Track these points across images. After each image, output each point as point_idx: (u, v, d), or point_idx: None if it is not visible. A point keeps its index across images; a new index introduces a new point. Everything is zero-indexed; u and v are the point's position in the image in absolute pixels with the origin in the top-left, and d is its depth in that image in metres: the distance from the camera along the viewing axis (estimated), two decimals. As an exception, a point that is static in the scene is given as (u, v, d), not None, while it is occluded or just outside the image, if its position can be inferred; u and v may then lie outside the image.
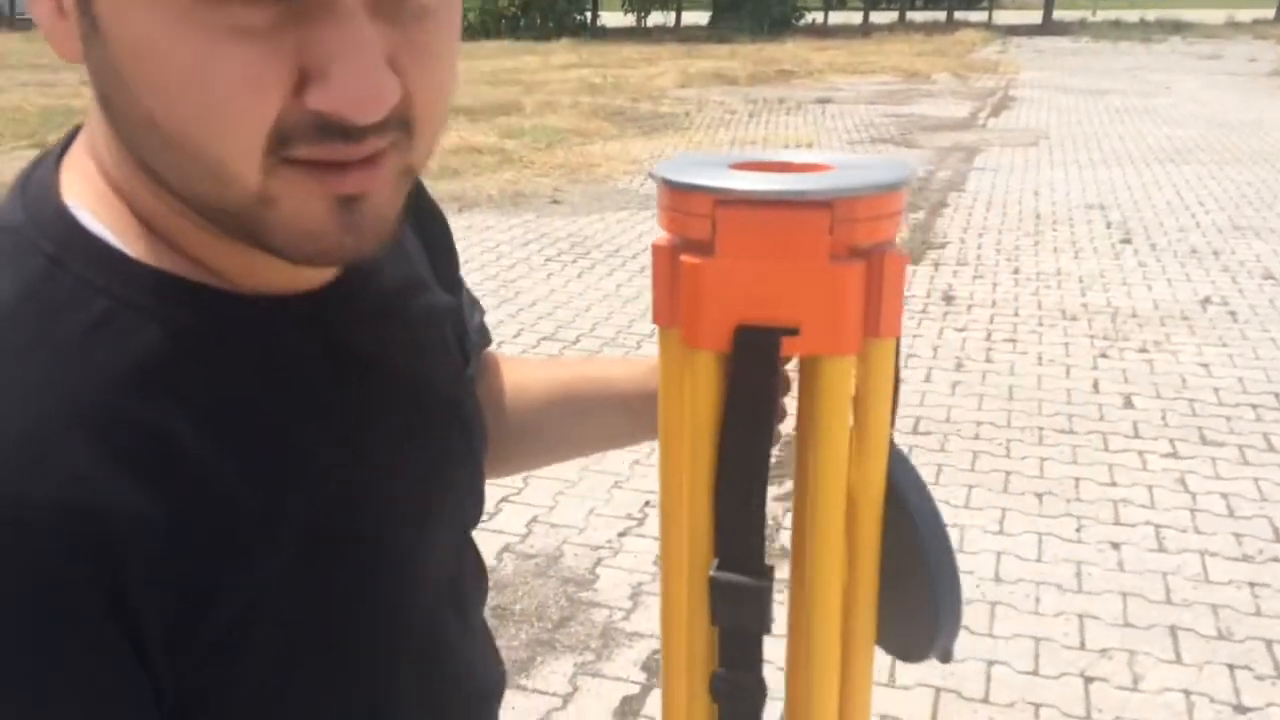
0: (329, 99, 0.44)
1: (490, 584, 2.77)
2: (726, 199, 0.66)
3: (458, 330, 0.73)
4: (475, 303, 0.85)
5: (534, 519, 3.21)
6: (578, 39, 25.20)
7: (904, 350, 4.65)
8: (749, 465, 0.68)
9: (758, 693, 0.72)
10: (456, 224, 5.31)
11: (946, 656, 0.80)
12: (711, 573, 0.71)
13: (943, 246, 6.39)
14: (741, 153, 0.76)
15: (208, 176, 0.46)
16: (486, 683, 0.75)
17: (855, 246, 0.67)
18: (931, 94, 14.75)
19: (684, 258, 0.67)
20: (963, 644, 2.58)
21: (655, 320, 0.72)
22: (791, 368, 0.74)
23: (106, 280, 0.49)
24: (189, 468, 0.48)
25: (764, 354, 0.65)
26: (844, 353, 0.68)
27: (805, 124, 11.74)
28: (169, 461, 0.48)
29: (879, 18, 32.36)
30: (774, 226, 0.66)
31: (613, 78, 15.73)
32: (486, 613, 2.66)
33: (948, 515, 3.23)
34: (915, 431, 3.81)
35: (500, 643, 2.59)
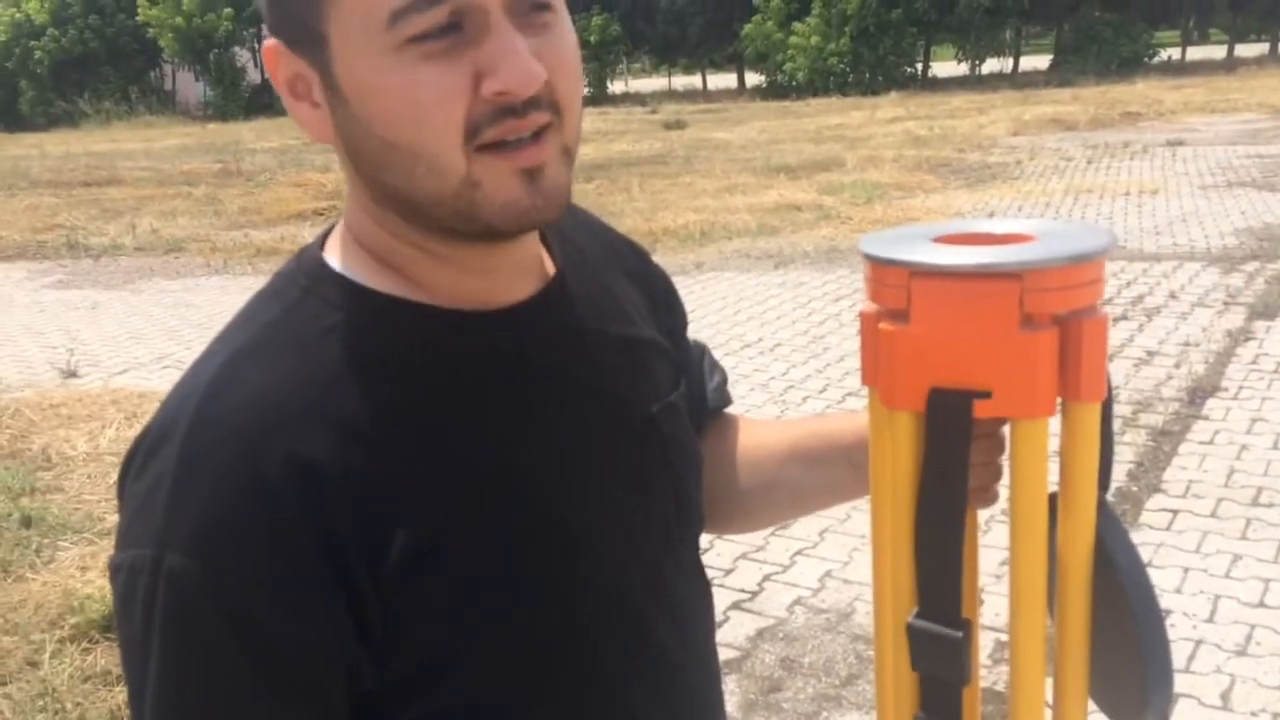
0: (501, 83, 0.61)
1: (780, 635, 2.79)
2: (920, 271, 0.70)
3: (677, 370, 0.84)
4: (716, 366, 0.97)
5: (828, 573, 3.23)
6: (907, 91, 24.91)
7: (1251, 414, 4.22)
8: (944, 520, 0.71)
9: None
10: (771, 280, 5.46)
11: None
12: (909, 620, 0.74)
13: (1306, 300, 5.77)
14: (948, 224, 0.80)
15: (428, 173, 0.63)
16: (699, 693, 0.82)
17: (1047, 314, 0.69)
18: (1304, 131, 13.32)
19: (882, 325, 0.72)
20: (1295, 740, 2.33)
21: (864, 381, 0.77)
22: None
23: (340, 302, 0.68)
24: (383, 436, 0.65)
25: (956, 415, 0.69)
26: (1037, 416, 0.70)
27: (1151, 169, 10.97)
28: (369, 430, 0.64)
29: (1245, 50, 29.57)
30: (965, 297, 0.69)
31: (939, 129, 15.43)
32: (774, 663, 2.71)
33: (1285, 595, 2.90)
34: (1256, 503, 3.47)
35: (786, 694, 2.65)
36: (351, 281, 0.69)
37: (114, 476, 4.25)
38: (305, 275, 0.70)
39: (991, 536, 0.84)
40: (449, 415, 0.67)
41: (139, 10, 31.99)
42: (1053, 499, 0.76)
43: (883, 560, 0.76)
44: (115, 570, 0.64)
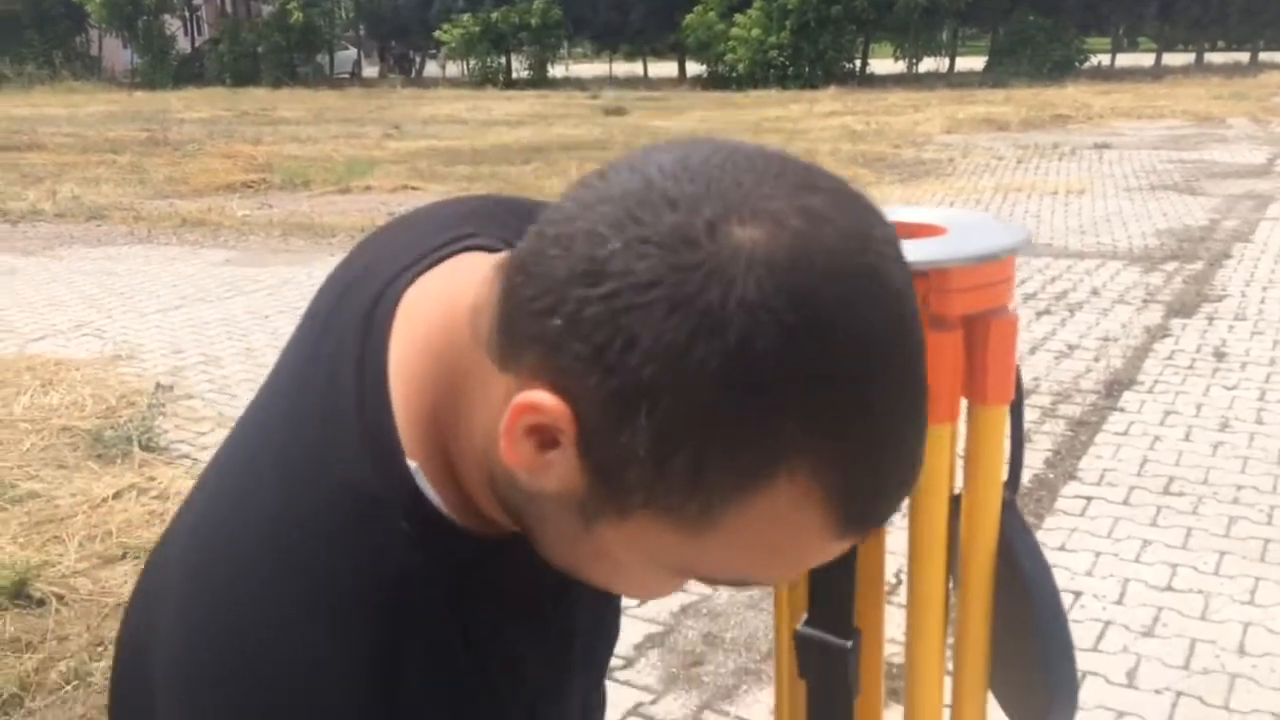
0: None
1: (704, 611, 2.81)
2: None
3: None
4: None
5: (753, 551, 3.26)
6: (845, 86, 25.13)
7: (1165, 407, 4.34)
8: None
9: None
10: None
11: None
12: (798, 627, 0.73)
13: (1220, 300, 5.95)
14: None
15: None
16: None
17: (955, 315, 0.68)
18: (1225, 139, 13.71)
19: None
20: (1194, 714, 2.41)
21: None
22: None
23: (438, 545, 0.58)
24: (464, 649, 0.59)
25: None
26: (938, 421, 0.69)
27: (1078, 170, 11.21)
28: (450, 643, 0.59)
29: (1173, 59, 30.33)
30: None
31: (876, 124, 15.60)
32: (696, 638, 2.73)
33: (1193, 581, 3.02)
34: (1167, 492, 3.59)
35: (708, 668, 2.67)
36: (450, 523, 0.59)
37: (27, 444, 4.14)
38: (407, 517, 0.57)
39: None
40: (500, 641, 0.63)
41: (66, -27, 31.01)
42: (959, 500, 0.75)
43: None
44: None
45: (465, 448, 0.58)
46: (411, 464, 0.57)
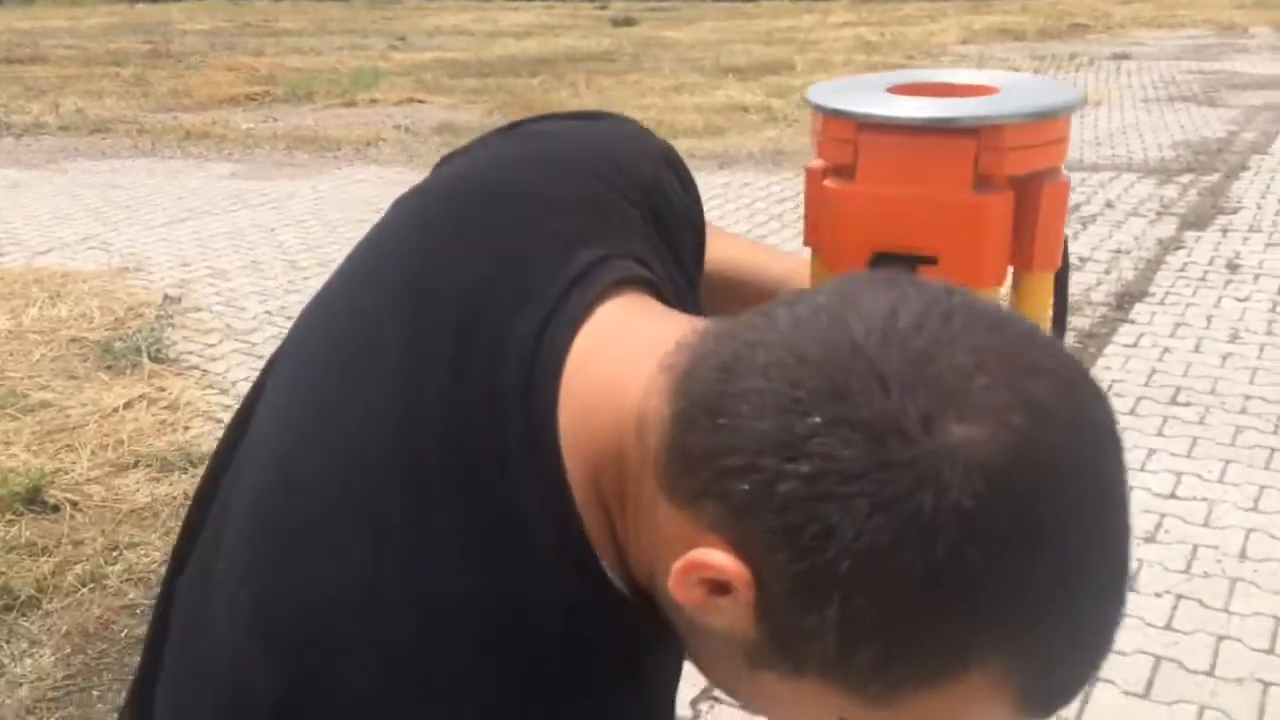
0: None
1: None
2: (868, 124, 0.64)
3: None
4: None
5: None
6: (859, -4, 24.56)
7: (1175, 318, 4.30)
8: None
9: None
10: (715, 180, 5.42)
11: None
12: None
13: (1235, 212, 5.87)
14: (906, 73, 0.75)
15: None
16: None
17: (1004, 176, 0.64)
18: (1247, 49, 13.40)
19: (827, 182, 0.68)
20: (1194, 617, 2.44)
21: (806, 242, 0.73)
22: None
23: (628, 637, 0.57)
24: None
25: None
26: (984, 286, 0.65)
27: (1096, 81, 10.99)
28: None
29: (1196, -33, 29.54)
30: (916, 153, 0.64)
31: (890, 35, 15.29)
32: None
33: (1197, 489, 3.03)
34: (1174, 402, 3.58)
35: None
36: (619, 594, 0.58)
37: (37, 355, 4.16)
38: (594, 618, 0.57)
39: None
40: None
41: (61, -121, 30.25)
42: None
43: None
44: None
45: (633, 560, 0.56)
46: (611, 575, 0.57)
